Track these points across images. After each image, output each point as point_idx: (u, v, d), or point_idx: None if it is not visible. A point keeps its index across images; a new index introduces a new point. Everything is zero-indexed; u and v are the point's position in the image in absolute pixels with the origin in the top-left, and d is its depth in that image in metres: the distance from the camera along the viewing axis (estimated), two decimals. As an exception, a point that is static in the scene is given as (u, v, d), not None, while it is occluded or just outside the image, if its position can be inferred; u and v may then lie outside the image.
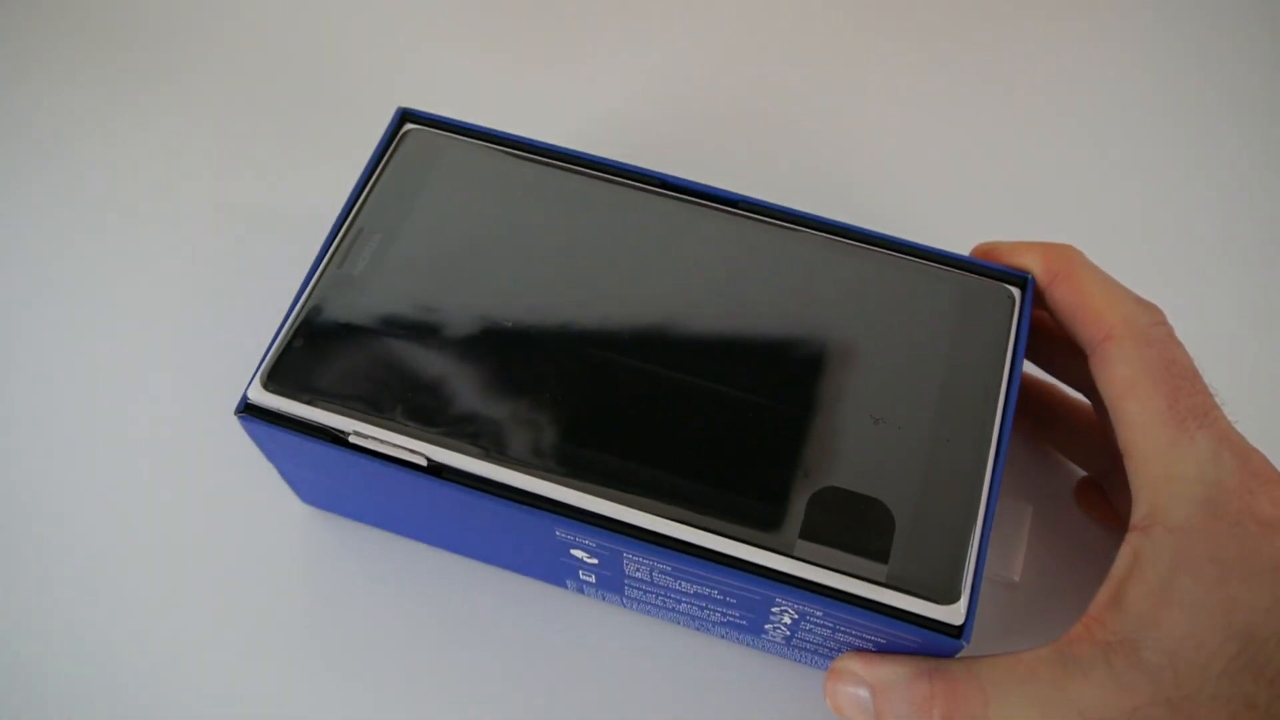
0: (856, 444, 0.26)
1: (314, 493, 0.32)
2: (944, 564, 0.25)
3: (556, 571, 0.30)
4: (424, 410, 0.26)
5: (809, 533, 0.25)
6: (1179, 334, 0.27)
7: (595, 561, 0.27)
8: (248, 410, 0.27)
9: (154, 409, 0.35)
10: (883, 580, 0.24)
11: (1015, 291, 0.28)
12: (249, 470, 0.32)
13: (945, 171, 0.41)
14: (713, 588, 0.26)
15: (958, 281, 0.29)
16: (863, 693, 0.26)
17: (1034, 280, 0.28)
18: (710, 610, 0.28)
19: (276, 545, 0.32)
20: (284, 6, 0.44)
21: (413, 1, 0.45)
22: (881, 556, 0.25)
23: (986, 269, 0.29)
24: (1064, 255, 0.28)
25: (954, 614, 0.24)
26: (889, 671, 0.26)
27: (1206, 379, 0.26)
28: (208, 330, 0.36)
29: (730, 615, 0.28)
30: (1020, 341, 0.28)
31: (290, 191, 0.39)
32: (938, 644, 0.25)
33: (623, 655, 0.31)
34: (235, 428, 0.28)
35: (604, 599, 0.31)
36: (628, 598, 0.30)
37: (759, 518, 0.25)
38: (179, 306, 0.37)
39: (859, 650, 0.27)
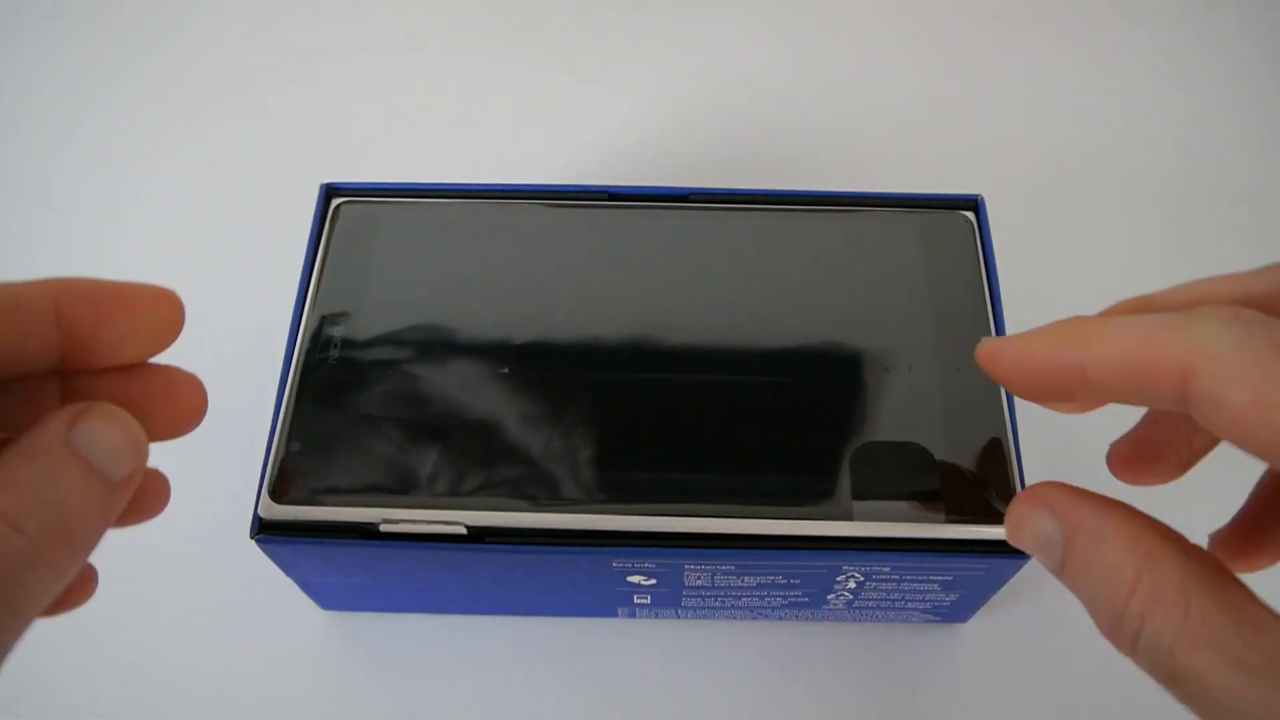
0: (877, 396, 0.26)
1: (335, 597, 0.30)
2: (993, 485, 0.25)
3: (608, 602, 0.29)
4: (448, 478, 0.25)
5: (860, 492, 0.25)
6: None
7: (653, 582, 0.27)
8: (263, 530, 0.25)
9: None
10: (942, 517, 0.25)
11: (969, 215, 0.29)
12: (263, 588, 0.31)
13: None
14: (777, 574, 0.26)
15: (916, 220, 0.29)
16: (1056, 534, 0.20)
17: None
18: (771, 597, 0.28)
19: (307, 661, 0.31)
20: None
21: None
22: (934, 495, 0.25)
23: (934, 200, 0.30)
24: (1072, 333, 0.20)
25: (1016, 531, 0.25)
26: (1097, 518, 0.19)
27: None
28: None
29: (792, 596, 0.28)
30: (989, 259, 0.29)
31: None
32: (1003, 566, 0.25)
33: (693, 663, 0.31)
34: (241, 546, 0.27)
35: (657, 616, 0.30)
36: (684, 608, 0.29)
37: (810, 492, 0.25)
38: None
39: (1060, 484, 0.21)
